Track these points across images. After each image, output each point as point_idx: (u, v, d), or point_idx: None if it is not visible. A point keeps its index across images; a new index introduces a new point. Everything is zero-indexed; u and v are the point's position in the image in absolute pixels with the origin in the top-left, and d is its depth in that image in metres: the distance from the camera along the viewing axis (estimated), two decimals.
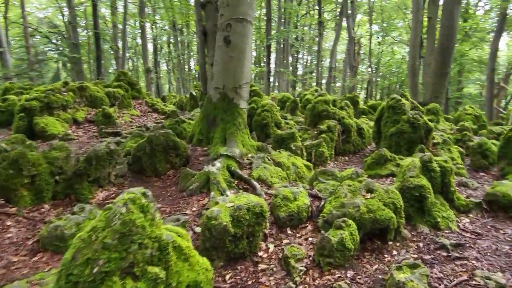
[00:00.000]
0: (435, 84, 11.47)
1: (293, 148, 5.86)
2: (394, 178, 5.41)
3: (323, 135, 6.60)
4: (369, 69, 34.51)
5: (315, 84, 27.29)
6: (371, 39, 37.29)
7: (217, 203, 3.46)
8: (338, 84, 47.42)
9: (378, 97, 44.27)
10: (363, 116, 12.97)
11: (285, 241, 3.62)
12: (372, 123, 11.08)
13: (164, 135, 4.80)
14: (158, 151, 4.75)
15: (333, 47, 26.35)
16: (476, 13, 29.03)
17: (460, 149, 6.50)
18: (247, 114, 7.39)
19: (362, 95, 44.80)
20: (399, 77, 40.21)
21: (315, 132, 6.77)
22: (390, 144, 6.27)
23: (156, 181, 4.74)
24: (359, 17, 39.27)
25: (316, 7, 27.78)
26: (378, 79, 32.01)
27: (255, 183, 4.48)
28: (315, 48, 33.59)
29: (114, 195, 4.31)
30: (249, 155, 5.30)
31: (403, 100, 6.52)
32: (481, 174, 6.20)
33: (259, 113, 7.21)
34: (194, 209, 4.04)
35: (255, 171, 4.71)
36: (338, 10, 27.33)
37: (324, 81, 42.35)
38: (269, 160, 5.10)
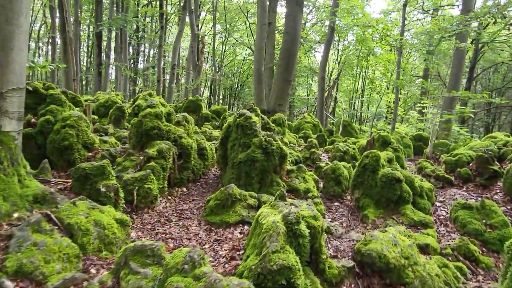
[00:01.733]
0: (279, 91, 10.89)
1: (103, 189, 3.84)
2: (247, 227, 3.99)
3: (152, 163, 4.74)
4: (213, 68, 33.83)
5: (157, 81, 24.91)
6: (215, 38, 36.90)
7: None
8: (183, 81, 45.82)
9: (221, 96, 44.63)
10: (206, 123, 11.59)
11: None
12: (216, 132, 9.75)
13: None
14: None
15: (175, 42, 24.47)
16: (306, 24, 31.56)
17: (315, 176, 5.57)
18: (39, 131, 4.98)
19: (206, 93, 44.34)
20: (241, 78, 41.30)
21: (142, 158, 4.85)
22: (238, 174, 4.85)
23: None
24: (203, 14, 38.57)
25: None
26: (221, 79, 31.57)
27: (7, 285, 2.35)
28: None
29: None
30: (15, 215, 3.06)
31: (253, 117, 5.19)
32: (335, 204, 5.38)
33: (58, 129, 4.86)
34: None
35: (14, 256, 2.55)
36: (182, 3, 25.54)
37: (167, 76, 40.12)
38: (50, 223, 2.99)
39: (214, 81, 33.09)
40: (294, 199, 4.88)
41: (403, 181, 4.69)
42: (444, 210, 5.67)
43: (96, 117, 7.38)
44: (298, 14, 10.55)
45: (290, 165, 5.60)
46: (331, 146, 7.75)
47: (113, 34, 22.83)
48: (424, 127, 18.82)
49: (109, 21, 17.41)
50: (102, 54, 18.16)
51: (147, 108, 5.36)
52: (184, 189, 5.40)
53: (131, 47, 36.50)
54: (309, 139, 7.48)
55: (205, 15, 38.95)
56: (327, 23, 27.66)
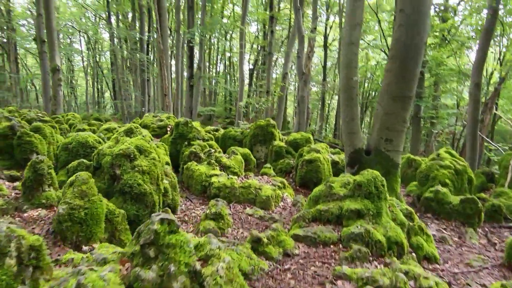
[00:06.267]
0: (388, 115, 5.94)
1: None
2: None
3: None
4: (327, 78, 28.74)
5: (266, 92, 21.59)
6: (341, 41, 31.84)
7: None
8: (315, 89, 41.86)
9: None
10: (270, 166, 7.45)
11: None
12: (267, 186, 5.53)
13: None
14: None
15: (288, 48, 20.85)
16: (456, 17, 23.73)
17: None
18: None
19: (332, 103, 39.40)
20: (373, 85, 35.53)
21: None
22: None
23: None
24: (331, 18, 34.16)
25: None
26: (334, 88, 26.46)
27: None
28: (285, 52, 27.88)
29: None
30: None
31: None
32: None
33: None
34: None
35: None
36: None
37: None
38: None
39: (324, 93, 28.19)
40: None
41: None
42: None
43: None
44: None
45: None
46: None
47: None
48: None
49: (201, 27, 14.77)
50: (194, 65, 15.71)
51: None
52: None
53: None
54: (429, 190, 2.59)
55: (334, 19, 34.43)
56: (484, 12, 19.86)
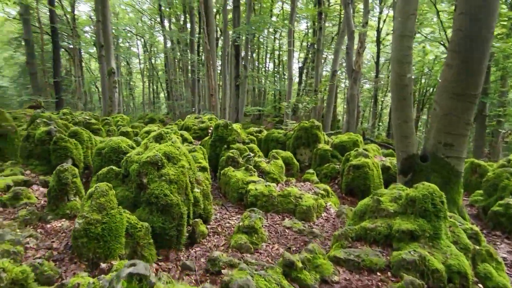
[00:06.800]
0: (447, 117, 5.13)
1: None
2: None
3: None
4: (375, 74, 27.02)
5: (314, 91, 20.75)
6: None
7: None
8: (367, 86, 39.92)
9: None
10: (313, 171, 6.91)
11: None
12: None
13: None
14: None
15: (337, 45, 19.87)
16: None
17: None
18: None
19: (386, 100, 37.19)
20: (430, 81, 32.99)
21: None
22: None
23: None
24: (385, 12, 32.35)
25: None
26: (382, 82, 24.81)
27: None
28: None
29: None
30: None
31: None
32: None
33: None
34: None
35: None
36: None
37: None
38: None
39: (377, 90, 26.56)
40: None
41: None
42: None
43: None
44: None
45: None
46: None
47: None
48: None
49: (246, 26, 14.44)
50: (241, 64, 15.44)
51: None
52: None
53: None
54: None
55: (388, 12, 32.54)
56: None
